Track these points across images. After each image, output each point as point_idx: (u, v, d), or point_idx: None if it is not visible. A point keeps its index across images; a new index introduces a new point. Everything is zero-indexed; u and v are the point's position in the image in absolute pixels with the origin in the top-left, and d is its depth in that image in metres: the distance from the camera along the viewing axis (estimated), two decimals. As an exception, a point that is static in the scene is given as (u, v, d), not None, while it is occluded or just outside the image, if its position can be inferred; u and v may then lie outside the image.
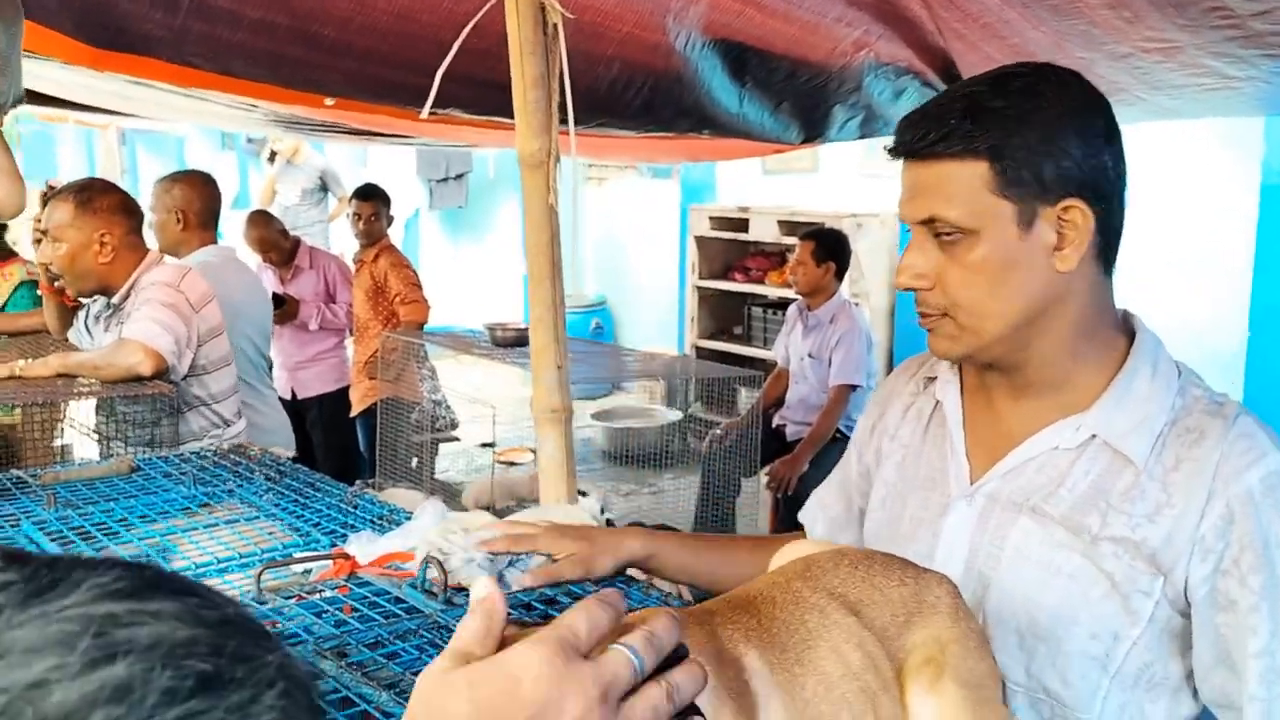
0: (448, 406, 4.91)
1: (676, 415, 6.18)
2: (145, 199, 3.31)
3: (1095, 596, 1.12)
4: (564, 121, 1.85)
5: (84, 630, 0.38)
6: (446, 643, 0.62)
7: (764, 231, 6.37)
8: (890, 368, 5.62)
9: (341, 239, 8.15)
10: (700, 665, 0.63)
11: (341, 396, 5.03)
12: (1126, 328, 1.22)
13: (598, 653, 0.59)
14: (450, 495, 4.38)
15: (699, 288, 6.87)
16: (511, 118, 1.86)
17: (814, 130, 3.48)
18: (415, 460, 4.58)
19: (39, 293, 3.41)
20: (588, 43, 2.57)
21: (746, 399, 5.06)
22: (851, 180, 6.42)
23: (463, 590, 1.29)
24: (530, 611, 1.26)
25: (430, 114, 2.05)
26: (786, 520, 4.21)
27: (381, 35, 2.52)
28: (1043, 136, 1.10)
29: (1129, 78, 2.48)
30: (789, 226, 6.09)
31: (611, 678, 0.58)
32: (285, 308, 4.76)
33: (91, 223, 2.73)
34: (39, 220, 3.00)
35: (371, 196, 5.13)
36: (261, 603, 1.28)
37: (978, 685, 0.88)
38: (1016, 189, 1.11)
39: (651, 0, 2.47)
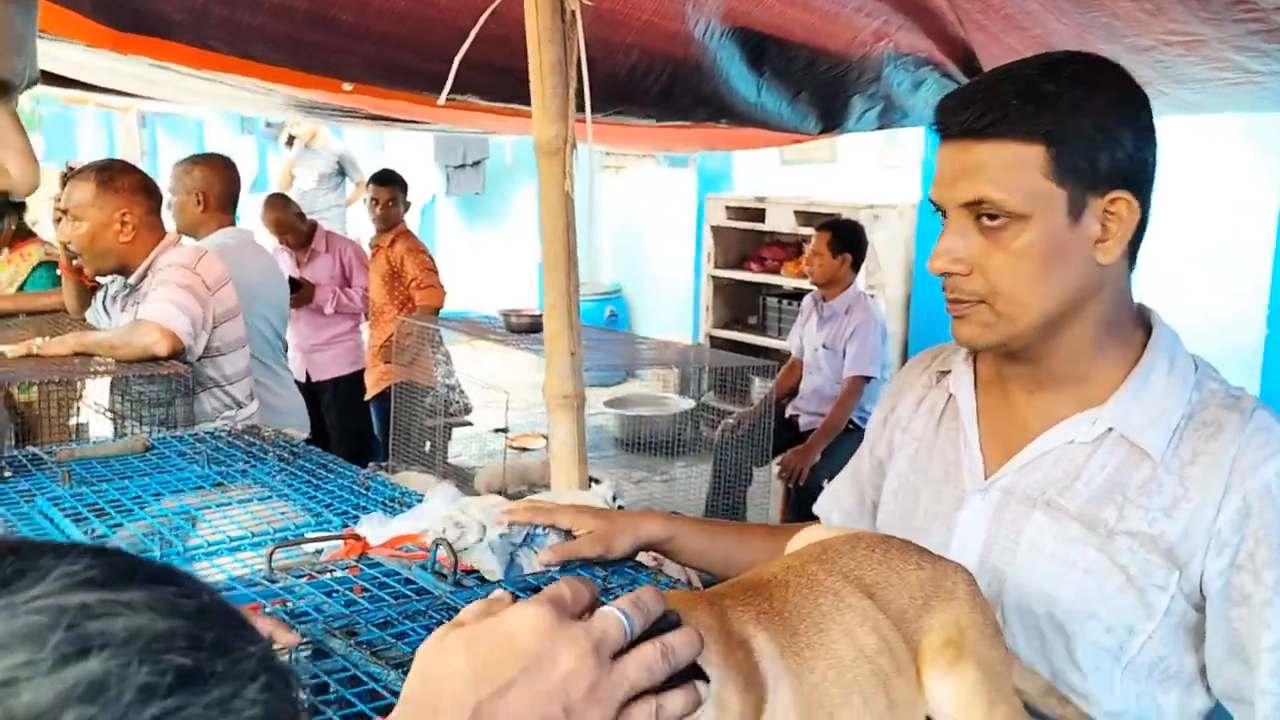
0: (461, 391, 4.93)
1: (690, 404, 6.18)
2: (164, 181, 3.33)
3: (1111, 590, 1.12)
4: (581, 109, 1.85)
5: (54, 623, 0.36)
6: (454, 624, 0.63)
7: (780, 222, 6.36)
8: (905, 360, 5.60)
9: (358, 224, 8.17)
10: (696, 631, 0.64)
11: (356, 380, 5.05)
12: (1143, 321, 1.21)
13: (586, 617, 0.62)
14: (463, 479, 4.39)
15: (714, 277, 6.86)
16: (529, 104, 1.86)
17: (832, 120, 3.46)
18: (428, 444, 4.60)
19: (58, 272, 3.43)
20: (606, 30, 2.57)
21: (760, 389, 5.05)
22: (870, 171, 6.39)
23: (472, 573, 1.29)
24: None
25: (448, 100, 2.05)
26: (797, 510, 4.21)
27: (400, 20, 2.53)
28: (1098, 125, 1.09)
29: (1151, 71, 2.46)
30: (805, 217, 6.07)
31: (601, 634, 0.60)
32: (301, 292, 4.78)
33: (113, 202, 2.75)
34: (59, 200, 3.02)
35: (389, 182, 5.14)
36: (273, 581, 1.29)
37: (995, 671, 0.88)
38: (1071, 176, 1.09)
39: (671, -12, 2.46)
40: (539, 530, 1.34)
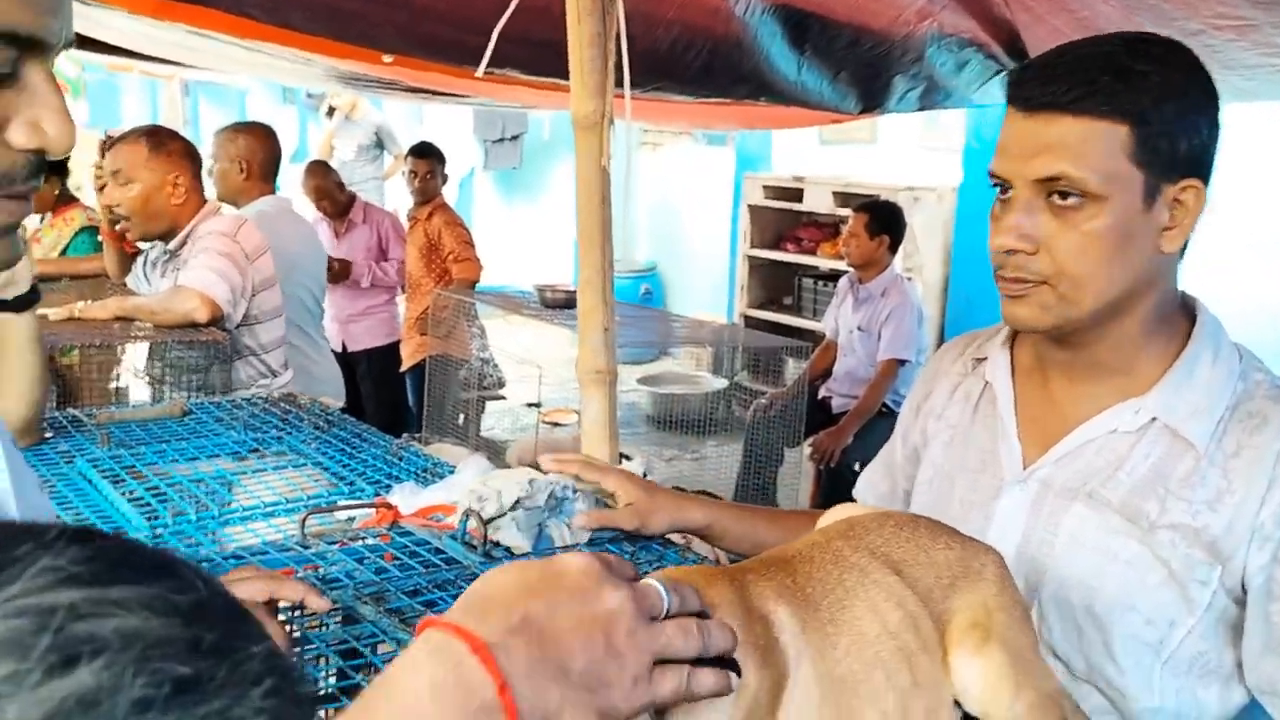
0: (495, 365, 4.95)
1: (722, 383, 6.17)
2: (206, 150, 3.36)
3: (1153, 584, 1.10)
4: (619, 84, 1.84)
5: (39, 627, 0.32)
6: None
7: (818, 202, 6.31)
8: (941, 344, 5.56)
9: (395, 196, 8.20)
10: (729, 627, 0.67)
11: (391, 351, 5.09)
12: (1187, 310, 1.19)
13: None
14: (495, 453, 4.42)
15: (750, 257, 6.83)
16: (567, 79, 1.85)
17: (873, 100, 3.43)
18: (462, 417, 4.63)
19: (99, 238, 3.47)
20: (647, 4, 2.55)
21: (793, 370, 5.04)
22: (910, 153, 6.32)
23: (500, 545, 1.31)
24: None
25: (486, 73, 2.05)
26: (828, 492, 4.20)
27: (439, -9, 2.53)
28: (1182, 110, 1.06)
29: (1200, 56, 2.41)
30: (843, 198, 6.02)
31: (643, 595, 0.64)
32: (338, 270, 4.82)
33: (164, 165, 2.79)
34: (99, 167, 3.06)
35: (427, 155, 5.16)
36: (305, 547, 1.31)
37: (1022, 653, 0.88)
38: (1152, 159, 1.06)
39: (713, -37, 2.45)
40: (571, 495, 1.35)
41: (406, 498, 1.44)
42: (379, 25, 2.83)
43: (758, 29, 2.79)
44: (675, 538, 1.42)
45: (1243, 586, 1.09)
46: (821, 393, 4.60)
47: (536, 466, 1.39)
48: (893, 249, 4.45)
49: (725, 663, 0.66)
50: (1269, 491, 1.07)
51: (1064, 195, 1.07)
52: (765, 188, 6.69)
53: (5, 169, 0.62)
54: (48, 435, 1.86)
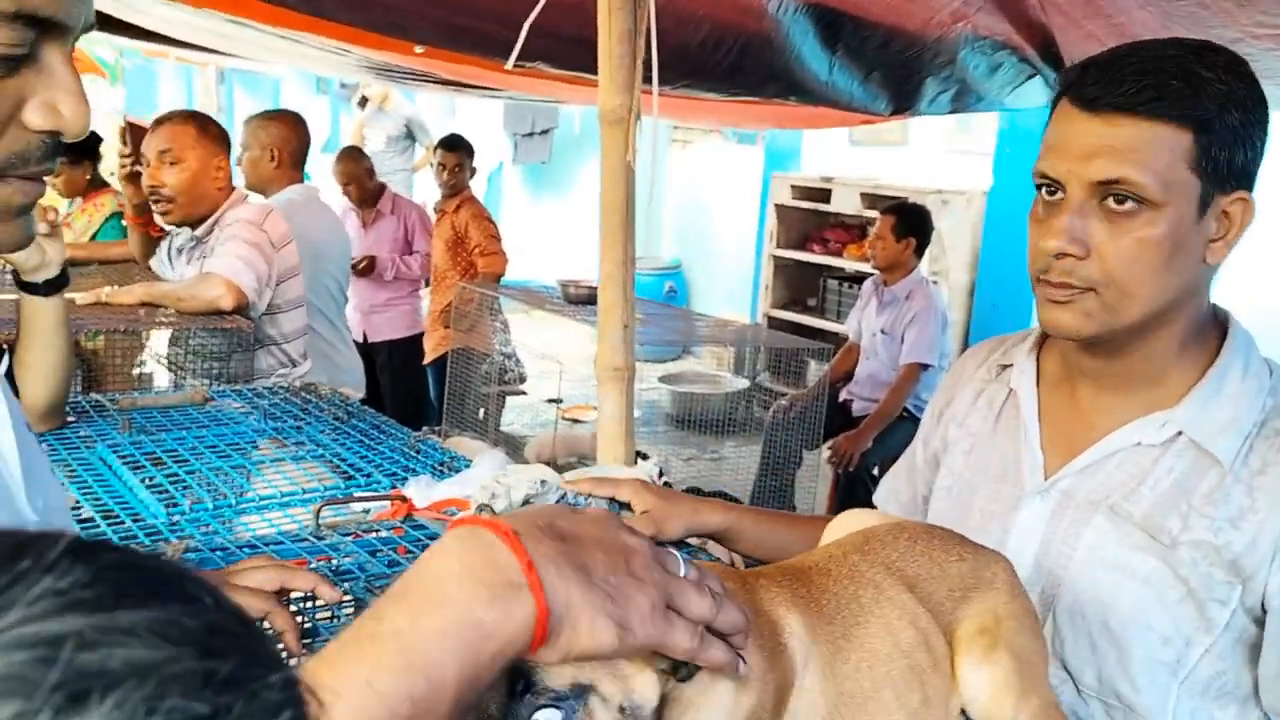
0: (518, 360, 4.96)
1: (743, 383, 6.15)
2: (239, 138, 3.38)
3: (1171, 601, 1.09)
4: (648, 79, 1.83)
5: (45, 659, 0.29)
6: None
7: (846, 203, 6.28)
8: (965, 349, 5.52)
9: (425, 188, 8.23)
10: (743, 610, 0.67)
11: (412, 343, 5.10)
12: (1218, 323, 1.17)
13: None
14: (514, 448, 4.43)
15: (776, 257, 6.81)
16: (597, 74, 1.85)
17: (904, 102, 3.40)
18: (482, 411, 4.64)
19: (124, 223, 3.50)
20: (679, 0, 2.54)
21: (815, 371, 5.01)
22: (940, 156, 6.28)
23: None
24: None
25: (516, 66, 2.04)
26: (846, 495, 4.18)
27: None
28: (1243, 121, 1.04)
29: (1238, 64, 2.38)
30: (871, 199, 5.99)
31: (662, 552, 0.66)
32: (364, 267, 4.84)
33: (211, 148, 2.81)
34: (124, 154, 3.07)
35: (456, 147, 5.17)
36: (319, 538, 1.31)
37: (1029, 661, 0.87)
38: (1211, 168, 1.03)
39: (746, -39, 2.43)
40: (584, 501, 1.34)
41: (421, 491, 1.44)
42: (411, 16, 2.83)
43: (790, 27, 2.77)
44: (691, 541, 1.41)
45: (1263, 606, 1.07)
46: (843, 395, 4.58)
47: (554, 463, 1.39)
48: (919, 252, 4.42)
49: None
50: None
51: (1120, 200, 1.04)
52: (793, 187, 6.67)
53: (20, 150, 0.62)
54: (70, 419, 1.87)
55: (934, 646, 0.84)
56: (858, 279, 5.98)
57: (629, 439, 1.92)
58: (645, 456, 2.01)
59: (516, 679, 0.61)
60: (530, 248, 8.44)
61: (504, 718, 0.61)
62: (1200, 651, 1.09)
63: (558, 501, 1.32)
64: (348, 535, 1.33)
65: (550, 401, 5.30)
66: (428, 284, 5.27)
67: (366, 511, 1.47)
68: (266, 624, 0.99)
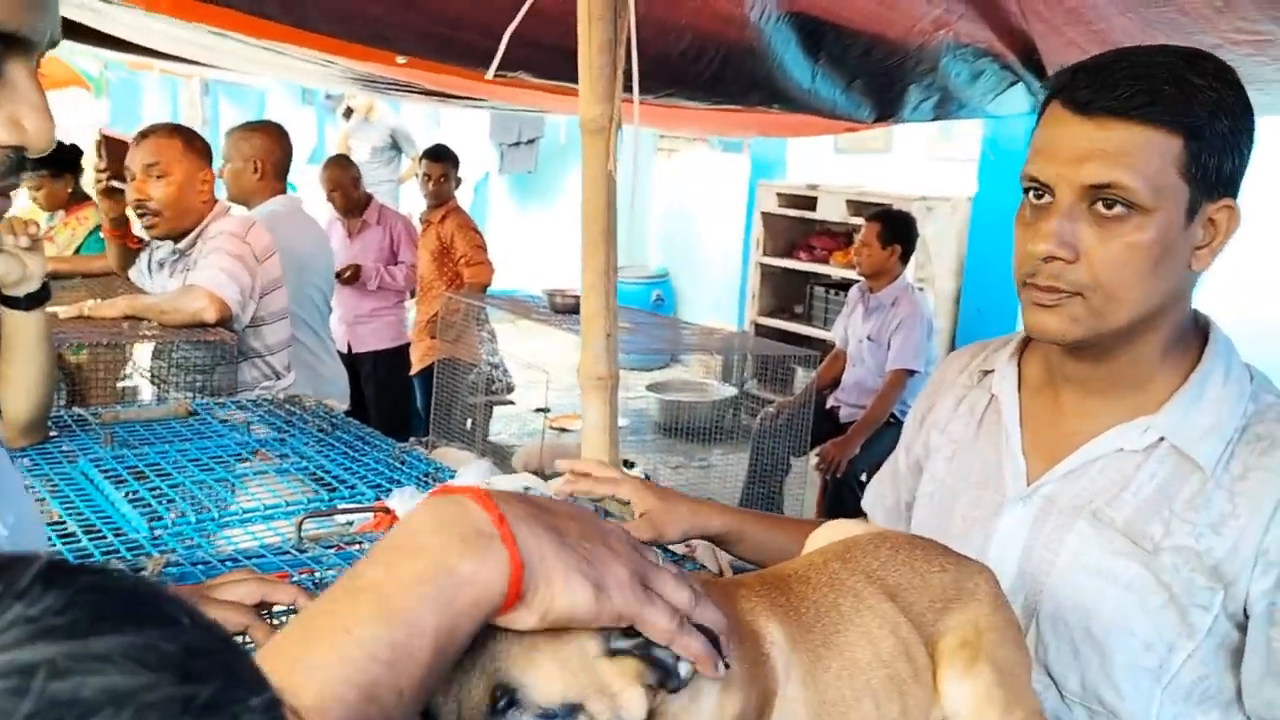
0: (505, 370, 4.95)
1: (731, 391, 6.15)
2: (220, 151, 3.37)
3: (1153, 607, 1.09)
4: (629, 89, 1.83)
5: (17, 690, 0.28)
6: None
7: (831, 211, 6.30)
8: (952, 356, 5.53)
9: (411, 199, 8.22)
10: (722, 612, 0.67)
11: (397, 354, 5.09)
12: (1199, 329, 1.18)
13: None
14: (502, 458, 4.42)
15: (762, 264, 6.82)
16: (578, 83, 1.85)
17: (887, 110, 3.42)
18: (469, 421, 4.62)
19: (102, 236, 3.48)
20: (660, 10, 2.55)
21: (802, 379, 5.02)
22: (924, 163, 6.31)
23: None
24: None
25: (498, 76, 2.04)
26: (834, 502, 4.18)
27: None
28: (1231, 129, 1.04)
29: (1216, 69, 2.40)
30: (857, 206, 6.01)
31: (642, 547, 0.66)
32: (348, 276, 4.83)
33: (196, 161, 2.81)
34: (100, 169, 3.05)
35: (441, 158, 5.17)
36: (301, 550, 1.31)
37: (1011, 673, 0.87)
38: (1200, 175, 1.04)
39: (728, -30, 2.44)
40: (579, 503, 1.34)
41: (405, 502, 1.43)
42: (393, 27, 2.83)
43: (772, 36, 2.78)
44: (678, 547, 1.41)
45: (1244, 612, 1.07)
46: (829, 402, 4.59)
47: (542, 472, 1.38)
48: (904, 259, 4.43)
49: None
50: (1274, 516, 1.05)
51: (1109, 204, 1.04)
52: (779, 195, 6.69)
53: None
54: (53, 434, 1.86)
55: (915, 657, 0.84)
56: (844, 286, 6.00)
57: (614, 447, 1.92)
58: (631, 465, 2.01)
59: (503, 695, 0.60)
60: (516, 257, 8.44)
61: None
62: (1183, 657, 1.09)
63: None
64: (330, 548, 1.33)
65: (538, 411, 5.29)
66: (413, 295, 5.26)
67: (350, 524, 1.46)
68: (246, 639, 0.98)
